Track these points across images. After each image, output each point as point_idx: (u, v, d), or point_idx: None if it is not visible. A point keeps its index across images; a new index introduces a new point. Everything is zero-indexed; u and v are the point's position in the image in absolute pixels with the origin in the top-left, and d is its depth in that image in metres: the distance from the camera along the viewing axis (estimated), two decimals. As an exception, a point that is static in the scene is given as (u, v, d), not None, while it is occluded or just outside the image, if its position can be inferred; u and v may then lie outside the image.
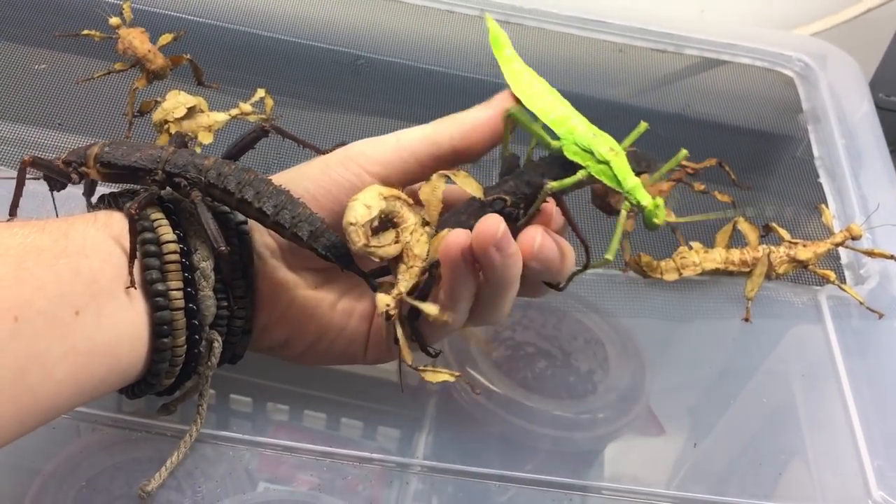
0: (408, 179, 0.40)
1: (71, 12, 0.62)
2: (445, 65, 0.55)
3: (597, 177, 0.40)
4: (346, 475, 0.45)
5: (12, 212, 0.39)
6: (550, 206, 0.40)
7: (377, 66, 0.56)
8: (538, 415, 0.50)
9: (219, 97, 0.49)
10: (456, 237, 0.37)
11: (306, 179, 0.40)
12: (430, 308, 0.37)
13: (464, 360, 0.52)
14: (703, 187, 0.53)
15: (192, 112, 0.47)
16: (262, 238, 0.41)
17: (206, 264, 0.39)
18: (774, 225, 0.54)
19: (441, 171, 0.39)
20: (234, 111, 0.48)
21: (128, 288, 0.36)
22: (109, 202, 0.40)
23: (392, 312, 0.38)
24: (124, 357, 0.37)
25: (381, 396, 0.51)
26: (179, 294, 0.38)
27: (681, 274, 0.53)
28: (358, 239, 0.37)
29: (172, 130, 0.46)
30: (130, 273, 0.36)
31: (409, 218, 0.38)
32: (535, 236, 0.38)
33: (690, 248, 0.53)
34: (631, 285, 0.52)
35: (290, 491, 0.45)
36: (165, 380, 0.39)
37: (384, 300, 0.37)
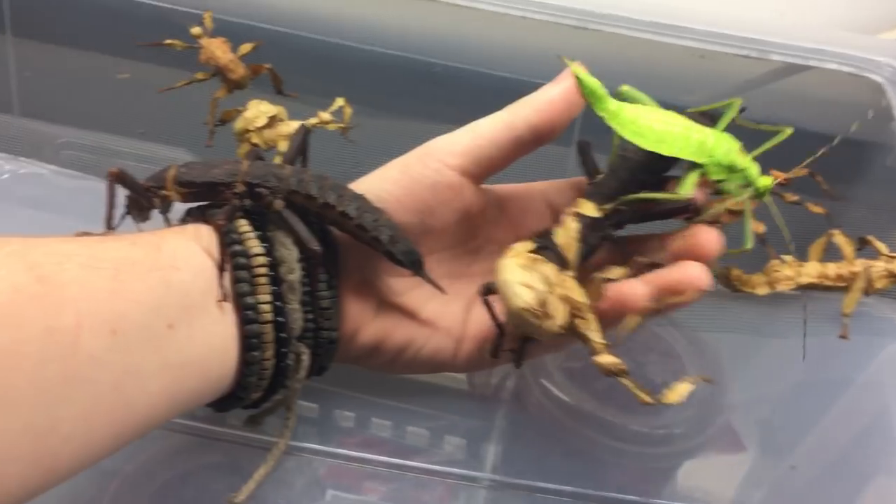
0: (487, 168, 0.41)
1: (152, 23, 0.63)
2: (520, 72, 0.55)
3: (714, 176, 0.41)
4: (414, 486, 0.45)
5: (108, 224, 0.40)
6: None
7: (453, 74, 0.56)
8: (612, 428, 0.49)
9: (297, 106, 0.50)
10: (633, 290, 0.37)
11: (387, 182, 0.41)
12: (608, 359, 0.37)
13: (538, 371, 0.51)
14: (796, 198, 0.51)
15: (272, 121, 0.47)
16: (345, 248, 0.42)
17: (293, 276, 0.39)
18: (871, 238, 0.52)
19: (569, 210, 0.39)
20: (314, 120, 0.48)
21: (219, 301, 0.37)
22: (196, 215, 0.40)
23: (623, 367, 0.36)
24: (215, 370, 0.37)
25: (448, 404, 0.51)
26: (269, 307, 0.38)
27: (773, 288, 0.52)
28: (538, 319, 0.36)
29: (253, 140, 0.47)
30: (221, 286, 0.37)
31: (554, 274, 0.37)
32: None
33: (783, 261, 0.52)
34: (714, 298, 0.51)
35: (360, 500, 0.45)
36: (254, 393, 0.40)
37: (607, 360, 0.36)
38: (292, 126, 0.47)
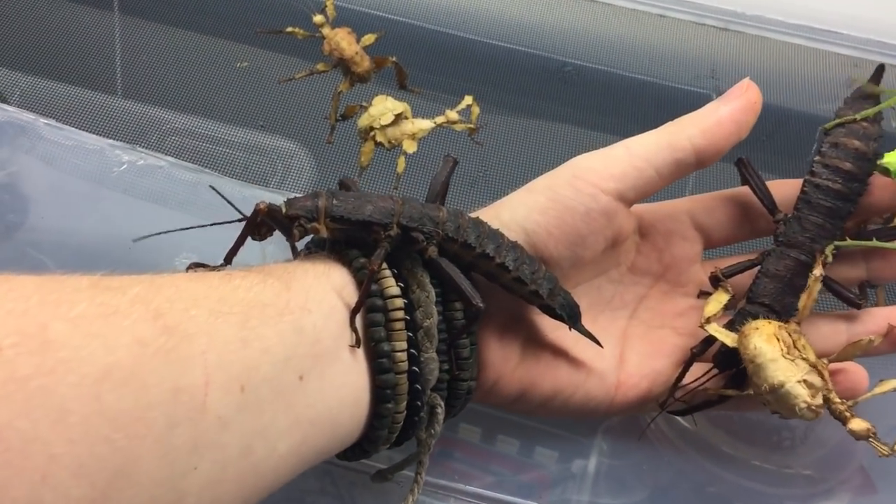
0: (644, 192, 0.38)
1: (273, 8, 0.62)
2: (657, 74, 0.52)
3: None
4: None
5: (228, 259, 0.37)
6: None
7: (585, 74, 0.54)
8: (732, 462, 0.47)
9: (420, 102, 0.48)
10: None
11: (535, 212, 0.38)
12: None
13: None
14: None
15: (398, 119, 0.46)
16: (484, 288, 0.39)
17: (430, 322, 0.36)
18: None
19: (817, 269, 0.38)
20: (440, 119, 0.46)
21: (352, 347, 0.34)
22: (320, 246, 0.38)
23: (874, 430, 0.37)
24: (345, 423, 0.35)
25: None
26: (404, 356, 0.35)
27: None
28: (816, 414, 0.36)
29: (378, 138, 0.45)
30: (354, 330, 0.34)
31: (798, 339, 0.37)
32: None
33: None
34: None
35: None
36: (382, 446, 0.37)
37: (861, 427, 0.36)
38: (418, 125, 0.46)
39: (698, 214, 0.42)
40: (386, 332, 0.35)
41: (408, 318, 0.35)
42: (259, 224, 0.36)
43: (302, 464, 0.33)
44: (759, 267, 0.40)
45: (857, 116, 0.39)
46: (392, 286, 0.35)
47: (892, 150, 0.39)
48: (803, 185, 0.40)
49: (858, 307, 0.41)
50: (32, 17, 0.63)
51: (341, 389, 0.34)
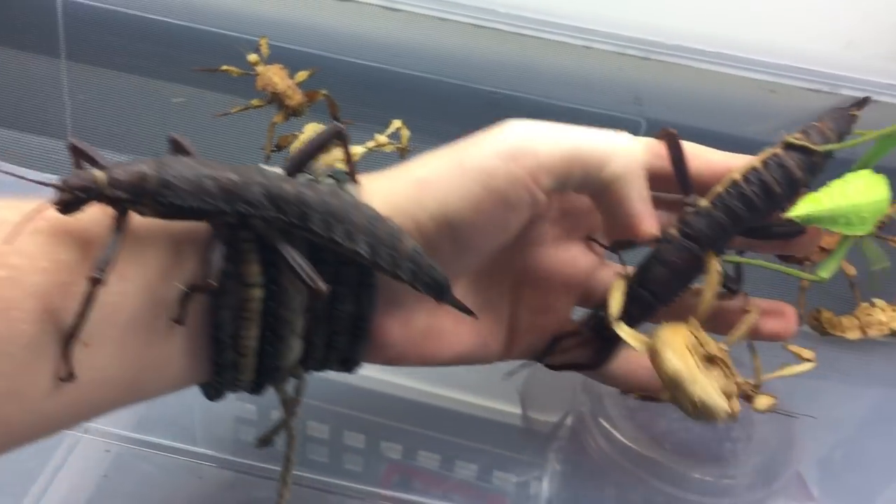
0: (565, 188, 0.37)
1: (207, 49, 0.64)
2: (584, 102, 0.54)
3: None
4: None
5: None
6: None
7: (515, 102, 0.56)
8: (674, 475, 0.48)
9: (353, 132, 0.50)
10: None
11: (466, 207, 0.35)
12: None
13: (597, 411, 0.50)
14: None
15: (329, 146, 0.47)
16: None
17: (293, 315, 0.35)
18: None
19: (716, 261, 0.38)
20: (371, 143, 0.48)
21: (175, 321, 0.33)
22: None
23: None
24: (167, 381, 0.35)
25: (500, 439, 0.50)
26: (252, 342, 0.35)
27: (865, 333, 0.50)
28: (725, 407, 0.36)
29: (310, 164, 0.46)
30: (183, 307, 0.32)
31: (699, 336, 0.38)
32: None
33: (873, 304, 0.50)
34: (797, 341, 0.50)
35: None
36: (237, 390, 0.37)
37: (766, 402, 0.38)
38: (350, 150, 0.47)
39: None
40: (235, 316, 0.34)
41: (271, 303, 0.34)
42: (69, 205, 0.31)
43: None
44: (653, 251, 0.39)
45: (819, 149, 0.38)
46: (254, 274, 0.34)
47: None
48: (729, 186, 0.38)
49: (734, 293, 0.41)
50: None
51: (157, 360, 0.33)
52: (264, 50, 0.54)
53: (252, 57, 0.53)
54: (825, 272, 0.38)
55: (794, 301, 0.50)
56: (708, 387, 0.36)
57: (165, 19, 0.62)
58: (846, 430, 0.52)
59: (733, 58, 0.56)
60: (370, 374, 0.52)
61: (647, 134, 0.39)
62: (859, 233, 0.37)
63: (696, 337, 0.37)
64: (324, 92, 0.53)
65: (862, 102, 0.41)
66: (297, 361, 0.36)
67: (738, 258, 0.40)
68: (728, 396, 0.36)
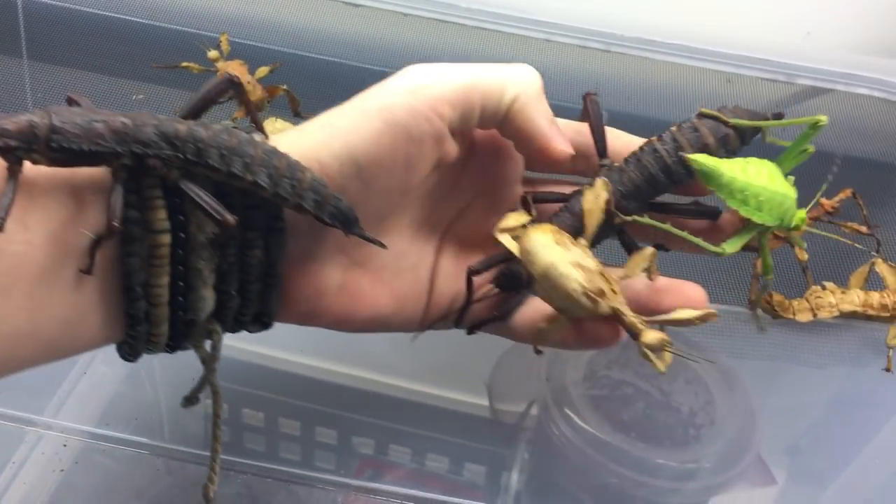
0: (468, 125, 0.37)
1: (168, 46, 0.64)
2: (546, 95, 0.55)
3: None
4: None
5: None
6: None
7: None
8: (638, 461, 0.49)
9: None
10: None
11: (369, 141, 0.35)
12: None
13: (562, 400, 0.51)
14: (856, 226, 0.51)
15: (287, 139, 0.47)
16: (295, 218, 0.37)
17: (204, 263, 0.35)
18: None
19: (606, 179, 0.38)
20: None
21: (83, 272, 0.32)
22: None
23: (669, 340, 0.35)
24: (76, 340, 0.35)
25: (469, 432, 0.50)
26: (163, 290, 0.34)
27: (815, 315, 0.51)
28: (593, 303, 0.35)
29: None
30: (91, 255, 0.32)
31: (582, 250, 0.36)
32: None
33: (824, 288, 0.51)
34: (748, 325, 0.51)
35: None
36: (150, 353, 0.37)
37: (654, 337, 0.35)
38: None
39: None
40: (145, 264, 0.34)
41: (180, 251, 0.34)
42: None
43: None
44: (566, 203, 0.40)
45: (730, 121, 0.39)
46: (160, 220, 0.34)
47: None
48: (643, 144, 0.40)
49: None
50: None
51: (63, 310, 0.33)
52: (224, 46, 0.54)
53: (212, 53, 0.53)
54: (730, 248, 0.39)
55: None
56: (562, 254, 0.35)
57: (126, 17, 0.62)
58: (804, 413, 0.53)
59: (692, 49, 0.57)
60: (341, 369, 0.52)
61: (607, 124, 0.40)
62: (756, 219, 0.38)
63: (574, 245, 0.36)
64: (284, 87, 0.53)
65: (777, 116, 0.42)
66: (210, 315, 0.36)
67: (646, 220, 0.39)
68: (589, 279, 0.35)
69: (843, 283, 0.53)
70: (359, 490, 0.45)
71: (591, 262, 0.36)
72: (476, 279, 0.39)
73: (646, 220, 0.39)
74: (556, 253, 0.35)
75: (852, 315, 0.52)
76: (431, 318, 0.41)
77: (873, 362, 0.50)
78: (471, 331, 0.41)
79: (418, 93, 0.36)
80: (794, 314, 0.52)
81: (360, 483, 0.45)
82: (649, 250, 0.36)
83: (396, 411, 0.51)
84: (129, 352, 0.36)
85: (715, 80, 0.58)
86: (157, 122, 0.33)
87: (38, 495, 0.43)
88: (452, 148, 0.38)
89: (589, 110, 0.40)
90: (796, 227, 0.41)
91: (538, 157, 0.38)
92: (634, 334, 0.35)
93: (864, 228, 0.51)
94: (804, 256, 0.51)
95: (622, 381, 0.53)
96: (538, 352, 0.39)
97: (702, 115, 0.40)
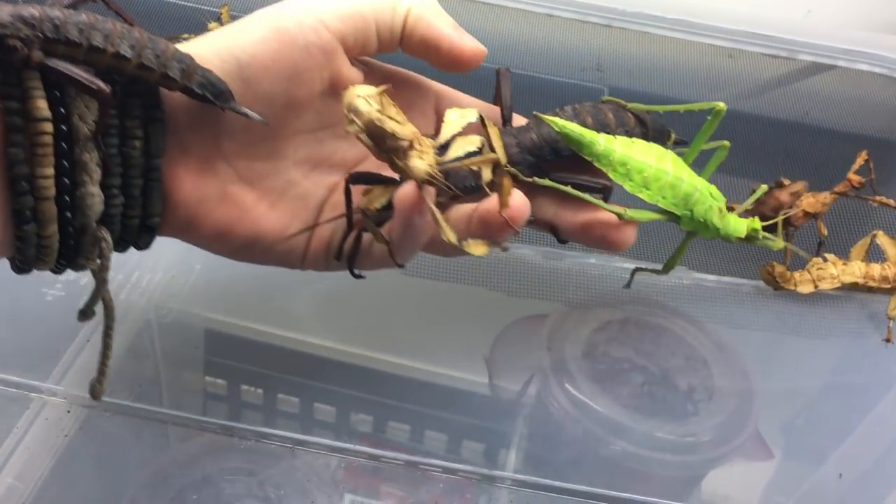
0: (363, 47, 0.38)
1: (168, 18, 0.64)
2: (546, 70, 0.55)
3: (686, 227, 0.42)
4: (432, 489, 0.45)
5: None
6: None
7: (479, 72, 0.57)
8: (637, 435, 0.49)
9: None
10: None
11: (252, 41, 0.36)
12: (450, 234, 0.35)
13: (561, 375, 0.51)
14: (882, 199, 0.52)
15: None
16: (184, 127, 0.38)
17: (89, 156, 0.35)
18: None
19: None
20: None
21: None
22: None
23: (435, 174, 0.34)
24: None
25: (468, 408, 0.51)
26: (49, 182, 0.34)
27: (816, 287, 0.52)
28: (384, 131, 0.34)
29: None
30: None
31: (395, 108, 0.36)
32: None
33: (825, 259, 0.52)
34: (748, 297, 0.51)
35: (378, 505, 0.45)
36: (43, 267, 0.37)
37: (421, 166, 0.34)
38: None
39: (443, 102, 0.42)
40: (28, 155, 0.34)
41: (63, 145, 0.34)
42: None
43: None
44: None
45: (628, 105, 0.41)
46: (40, 108, 0.33)
47: None
48: (539, 114, 0.41)
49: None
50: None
51: None
52: (225, 18, 0.54)
53: (212, 25, 0.53)
54: (633, 213, 0.40)
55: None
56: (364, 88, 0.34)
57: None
58: (803, 386, 0.53)
59: (693, 24, 0.57)
60: (338, 346, 0.52)
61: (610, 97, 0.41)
62: (645, 198, 0.39)
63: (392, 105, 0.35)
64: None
65: (666, 135, 0.44)
66: (98, 218, 0.36)
67: (549, 182, 0.40)
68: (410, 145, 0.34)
69: (843, 256, 0.54)
70: (358, 455, 0.45)
71: (409, 124, 0.35)
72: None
73: (546, 182, 0.40)
74: (360, 89, 0.34)
75: (853, 287, 0.52)
76: (313, 253, 0.41)
77: (874, 334, 0.50)
78: (349, 264, 0.41)
79: (309, 7, 0.37)
80: (795, 285, 0.52)
81: (362, 448, 0.46)
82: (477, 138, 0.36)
83: (395, 388, 0.51)
84: (20, 260, 0.36)
85: (717, 56, 0.58)
86: (13, 7, 0.33)
87: (43, 460, 0.43)
88: (350, 70, 0.38)
89: (499, 84, 0.42)
90: (737, 238, 0.42)
91: (451, 60, 0.39)
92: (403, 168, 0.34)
93: (892, 202, 0.52)
94: (824, 231, 0.52)
95: (621, 358, 0.53)
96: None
97: (602, 101, 0.42)
